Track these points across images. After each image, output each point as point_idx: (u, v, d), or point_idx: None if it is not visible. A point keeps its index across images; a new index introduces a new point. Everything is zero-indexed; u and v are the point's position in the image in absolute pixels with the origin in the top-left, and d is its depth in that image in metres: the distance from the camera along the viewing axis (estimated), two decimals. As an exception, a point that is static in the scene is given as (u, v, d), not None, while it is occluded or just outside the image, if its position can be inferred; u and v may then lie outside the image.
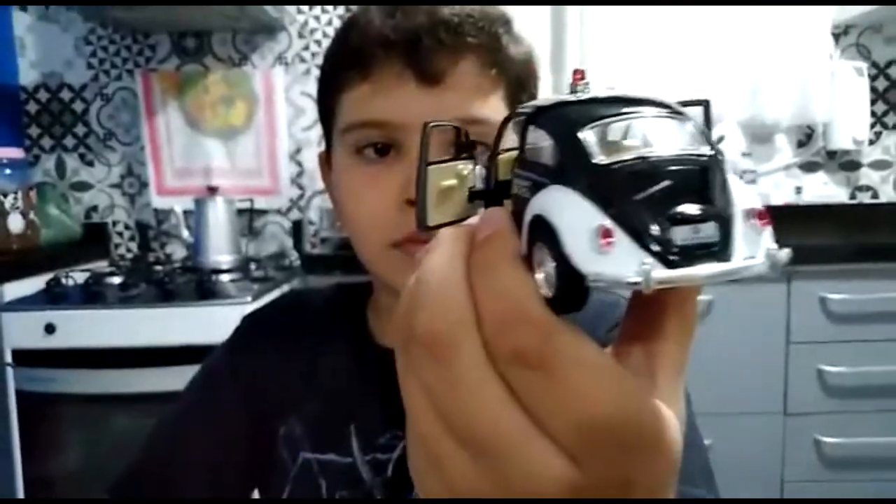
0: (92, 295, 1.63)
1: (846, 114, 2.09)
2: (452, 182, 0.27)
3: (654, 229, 0.19)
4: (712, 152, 0.21)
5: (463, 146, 0.28)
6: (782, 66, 2.08)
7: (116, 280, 1.71)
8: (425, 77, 0.55)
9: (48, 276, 1.68)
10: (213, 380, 0.70)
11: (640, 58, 2.11)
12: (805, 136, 2.19)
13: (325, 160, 0.66)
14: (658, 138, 0.20)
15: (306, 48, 2.17)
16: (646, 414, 0.21)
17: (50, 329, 1.52)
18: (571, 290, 0.20)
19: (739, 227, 0.21)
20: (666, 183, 0.19)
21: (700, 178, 0.20)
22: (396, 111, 0.55)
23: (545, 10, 2.08)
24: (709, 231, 0.20)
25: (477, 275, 0.22)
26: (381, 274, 0.60)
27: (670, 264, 0.19)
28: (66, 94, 2.19)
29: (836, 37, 2.15)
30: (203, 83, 2.14)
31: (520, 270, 0.22)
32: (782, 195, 2.21)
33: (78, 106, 2.19)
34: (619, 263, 0.19)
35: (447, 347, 0.22)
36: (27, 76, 2.18)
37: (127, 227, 2.23)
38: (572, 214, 0.19)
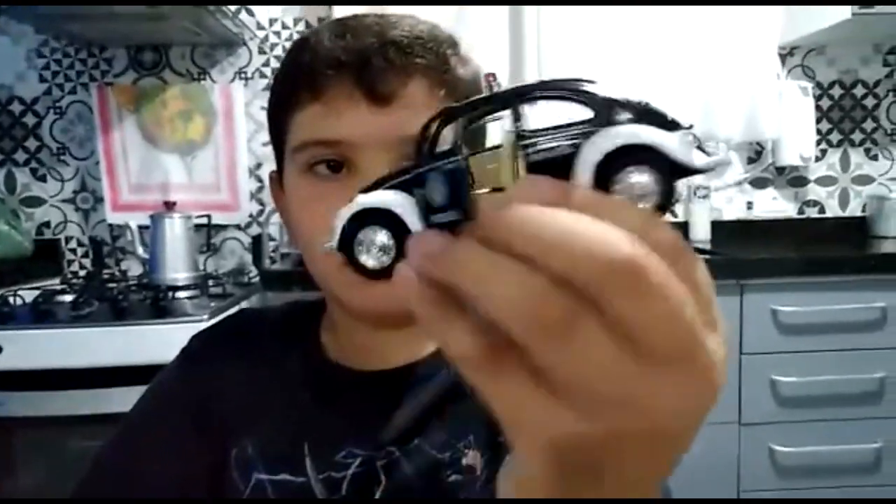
0: (41, 314, 1.58)
1: (793, 131, 2.17)
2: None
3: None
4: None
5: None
6: (733, 85, 2.15)
7: (68, 298, 1.67)
8: (376, 97, 0.55)
9: (-3, 294, 1.63)
10: (160, 401, 0.69)
11: (595, 75, 2.15)
12: (755, 153, 2.27)
13: (277, 180, 0.66)
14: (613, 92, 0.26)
15: (266, 64, 2.16)
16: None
17: (-2, 350, 1.47)
18: (671, 193, 0.25)
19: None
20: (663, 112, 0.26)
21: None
22: (348, 130, 0.55)
23: (504, 29, 2.12)
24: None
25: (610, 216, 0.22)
26: (332, 289, 0.60)
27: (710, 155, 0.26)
28: (16, 108, 2.14)
29: (783, 57, 2.23)
30: (161, 97, 2.12)
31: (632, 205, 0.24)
32: (734, 210, 2.27)
33: (29, 119, 2.14)
34: (701, 155, 0.25)
35: (652, 270, 0.21)
36: (-25, 89, 2.12)
37: (80, 244, 2.18)
38: (657, 133, 0.25)
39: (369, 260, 0.30)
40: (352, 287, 0.57)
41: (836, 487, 1.77)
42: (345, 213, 0.31)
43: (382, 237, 0.29)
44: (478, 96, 0.27)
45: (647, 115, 0.25)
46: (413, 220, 0.28)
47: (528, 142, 0.26)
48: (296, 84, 0.59)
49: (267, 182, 2.12)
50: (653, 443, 0.25)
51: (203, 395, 0.66)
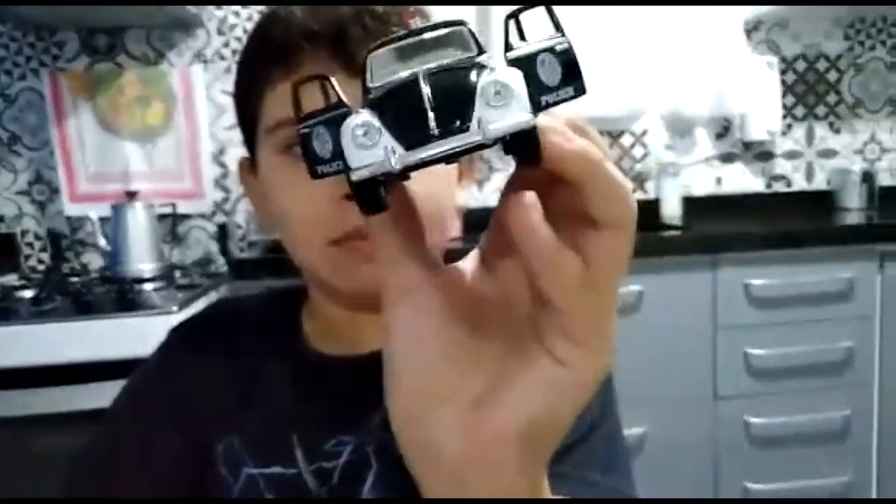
0: (1, 311, 1.52)
1: (759, 106, 2.19)
2: None
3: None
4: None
5: None
6: (700, 62, 2.15)
7: (28, 294, 1.60)
8: (354, 68, 0.53)
9: (-50, 292, 1.56)
10: (139, 398, 0.66)
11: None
12: (723, 129, 2.28)
13: (248, 166, 0.63)
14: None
15: (226, 45, 2.09)
16: None
17: (-45, 349, 1.41)
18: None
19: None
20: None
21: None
22: None
23: (471, 8, 2.08)
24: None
25: None
26: (321, 274, 0.58)
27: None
28: (-38, 96, 2.04)
29: (748, 33, 2.24)
30: (117, 83, 2.04)
31: None
32: (704, 186, 2.29)
33: (-23, 108, 2.04)
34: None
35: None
36: (-83, 77, 2.02)
37: (37, 237, 2.10)
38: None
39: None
40: (345, 270, 0.55)
41: (809, 459, 1.80)
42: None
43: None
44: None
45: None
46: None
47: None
48: (267, 60, 0.56)
49: (233, 168, 2.08)
50: None
51: (184, 391, 0.64)
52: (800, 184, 2.33)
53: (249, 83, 0.59)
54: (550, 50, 0.26)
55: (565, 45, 0.26)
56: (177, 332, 0.69)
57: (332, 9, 0.55)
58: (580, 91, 0.26)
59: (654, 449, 1.73)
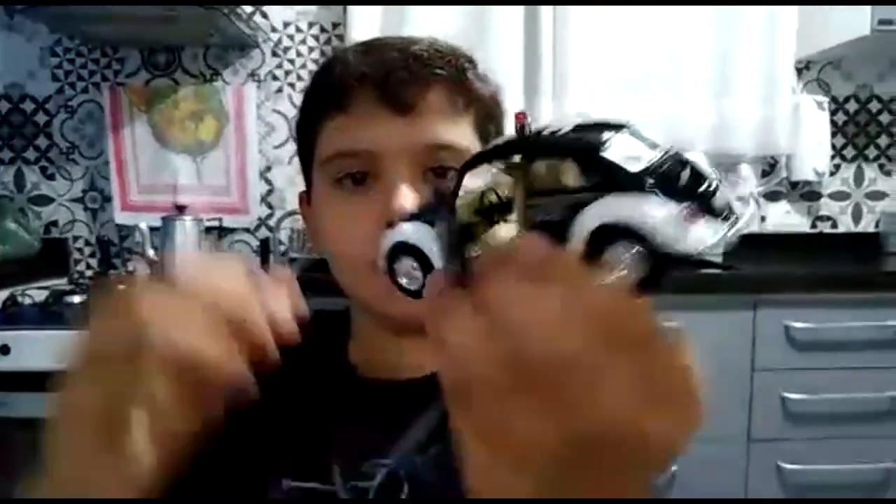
0: (50, 315, 1.57)
1: (808, 146, 2.15)
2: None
3: (710, 202, 0.24)
4: (670, 147, 0.26)
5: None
6: (748, 98, 2.13)
7: (77, 299, 1.66)
8: (398, 106, 0.59)
9: (3, 294, 1.62)
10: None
11: (612, 88, 2.15)
12: (769, 167, 2.25)
13: (305, 198, 0.69)
14: (641, 149, 0.25)
15: (279, 66, 2.15)
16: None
17: (4, 350, 1.46)
18: (660, 273, 0.24)
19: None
20: (687, 171, 0.24)
21: (685, 164, 0.25)
22: (373, 140, 0.59)
23: (519, 41, 2.10)
24: (726, 194, 0.25)
25: (569, 290, 0.24)
26: (365, 298, 0.63)
27: (727, 223, 0.24)
28: (28, 106, 2.13)
29: (799, 71, 2.22)
30: (172, 98, 2.11)
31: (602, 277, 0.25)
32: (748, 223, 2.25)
33: (40, 118, 2.13)
34: (704, 233, 0.23)
35: (585, 353, 0.24)
36: (-13, 87, 2.12)
37: (88, 244, 2.17)
38: (645, 207, 0.23)
39: (404, 280, 0.36)
40: (386, 293, 0.58)
41: (845, 507, 1.75)
42: (386, 243, 0.37)
43: (410, 267, 0.35)
44: (503, 140, 0.28)
45: (655, 180, 0.24)
46: (434, 256, 0.33)
47: (533, 201, 0.27)
48: (323, 98, 0.62)
49: (279, 185, 2.13)
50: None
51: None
52: (847, 225, 2.28)
53: (308, 119, 0.65)
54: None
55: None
56: None
57: (381, 52, 0.61)
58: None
59: (684, 488, 1.70)
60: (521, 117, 0.27)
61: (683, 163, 0.25)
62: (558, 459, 0.25)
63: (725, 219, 0.24)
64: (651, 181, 0.24)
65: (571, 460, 0.25)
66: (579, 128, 0.26)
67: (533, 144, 0.26)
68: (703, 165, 0.25)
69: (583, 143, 0.26)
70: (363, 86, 0.60)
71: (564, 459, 0.25)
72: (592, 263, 0.24)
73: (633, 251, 0.24)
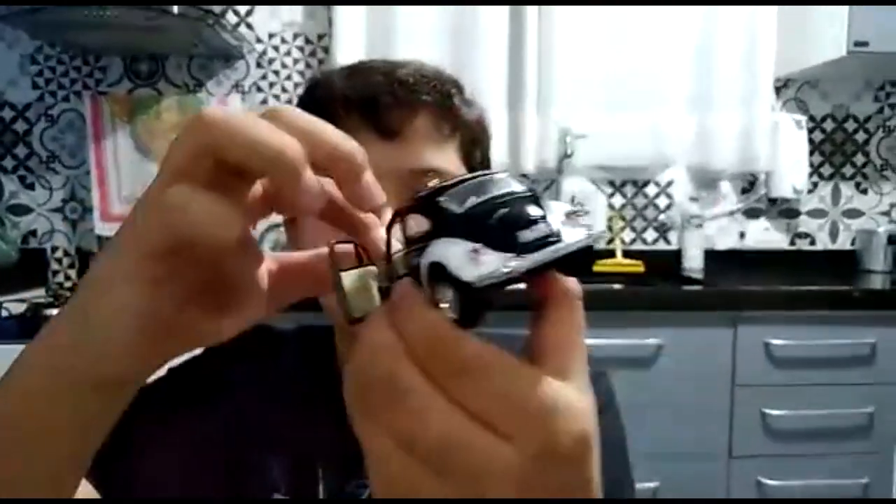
0: (29, 328, 1.55)
1: (786, 163, 2.19)
2: (360, 284, 0.35)
3: (503, 239, 0.27)
4: (526, 189, 0.29)
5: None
6: (728, 116, 2.17)
7: (56, 312, 1.63)
8: (383, 131, 0.60)
9: (-20, 305, 1.59)
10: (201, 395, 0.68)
11: (595, 104, 2.17)
12: (748, 184, 2.29)
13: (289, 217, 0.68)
14: (491, 191, 0.28)
15: (264, 77, 2.15)
16: (553, 385, 0.26)
17: (-19, 363, 1.44)
18: (470, 305, 0.26)
19: (563, 222, 0.29)
20: (503, 210, 0.27)
21: (523, 202, 0.28)
22: None
23: (503, 57, 2.12)
24: (542, 228, 0.27)
25: (400, 322, 0.27)
26: (336, 318, 0.63)
27: (525, 254, 0.27)
28: (7, 114, 2.10)
29: (778, 90, 2.26)
30: (155, 108, 2.09)
31: (430, 309, 0.27)
32: (727, 239, 2.29)
33: (20, 126, 2.10)
34: (491, 265, 0.26)
35: (395, 385, 0.26)
36: (-35, 93, 2.09)
37: (67, 254, 2.14)
38: (450, 248, 0.27)
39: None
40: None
41: (823, 521, 1.77)
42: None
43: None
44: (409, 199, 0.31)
45: (467, 225, 0.27)
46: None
47: (413, 247, 0.30)
48: None
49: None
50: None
51: (239, 406, 0.67)
52: (824, 242, 2.32)
53: None
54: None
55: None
56: (213, 353, 0.70)
57: (366, 77, 0.61)
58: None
59: (665, 505, 1.71)
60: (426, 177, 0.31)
61: (510, 203, 0.28)
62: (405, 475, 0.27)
63: (529, 250, 0.27)
64: (465, 222, 0.27)
65: (417, 479, 0.27)
66: (466, 179, 0.29)
67: (413, 199, 0.30)
68: (529, 208, 0.28)
69: (427, 192, 0.29)
70: (349, 110, 0.60)
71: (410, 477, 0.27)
72: (435, 299, 0.28)
73: (448, 287, 0.27)
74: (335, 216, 0.34)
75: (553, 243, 0.27)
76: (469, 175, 0.29)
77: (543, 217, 0.28)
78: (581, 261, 0.29)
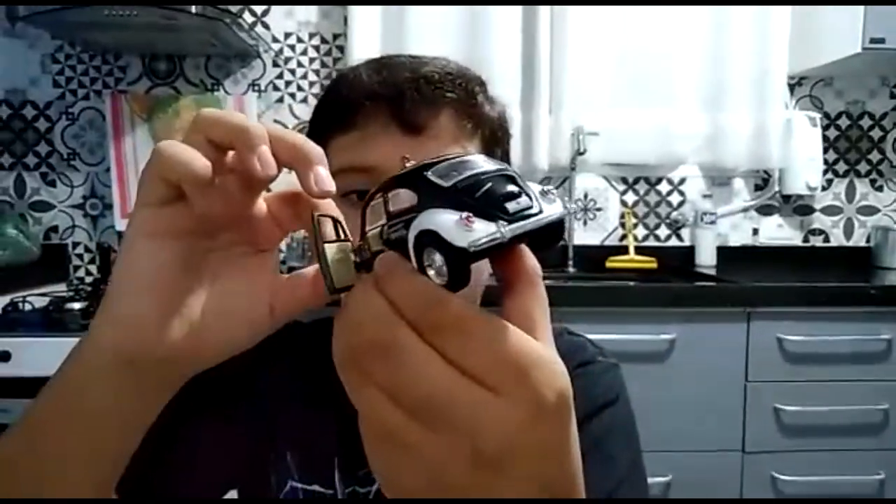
0: (51, 321, 1.58)
1: (800, 161, 2.19)
2: (342, 256, 0.37)
3: (491, 210, 0.29)
4: (504, 167, 0.31)
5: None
6: (741, 113, 2.17)
7: (77, 306, 1.66)
8: (408, 126, 0.60)
9: (4, 300, 1.63)
10: (226, 387, 0.69)
11: (607, 103, 2.18)
12: (762, 181, 2.29)
13: None
14: (472, 168, 0.31)
15: (280, 76, 2.17)
16: (534, 343, 0.29)
17: (5, 357, 1.47)
18: (458, 268, 0.28)
19: (539, 197, 0.31)
20: (488, 184, 0.30)
21: (503, 179, 0.30)
22: (382, 157, 0.59)
23: (517, 56, 2.13)
24: (525, 201, 0.30)
25: (388, 288, 0.29)
26: None
27: (511, 223, 0.29)
28: (29, 112, 2.14)
29: (792, 87, 2.25)
30: (174, 107, 2.12)
31: (417, 274, 0.29)
32: (740, 236, 2.29)
33: (41, 124, 2.14)
34: (482, 231, 0.28)
35: (389, 343, 0.28)
36: (-12, 92, 2.13)
37: (87, 250, 2.18)
38: (441, 216, 0.29)
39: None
40: None
41: (837, 518, 1.77)
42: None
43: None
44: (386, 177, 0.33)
45: (455, 197, 0.29)
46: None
47: (394, 221, 0.32)
48: (334, 114, 0.63)
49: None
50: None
51: (262, 395, 0.68)
52: (839, 239, 2.32)
53: (317, 134, 0.65)
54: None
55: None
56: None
57: (393, 72, 0.62)
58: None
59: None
60: (403, 160, 0.33)
61: (492, 179, 0.30)
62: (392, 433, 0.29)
63: (513, 220, 0.29)
64: (453, 195, 0.29)
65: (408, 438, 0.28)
66: (446, 158, 0.31)
67: (394, 177, 0.32)
68: (509, 184, 0.30)
69: (415, 167, 0.31)
70: (374, 105, 0.61)
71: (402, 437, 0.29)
72: (422, 267, 0.30)
73: (438, 254, 0.29)
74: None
75: (534, 215, 0.30)
76: (445, 155, 0.32)
77: (523, 191, 0.30)
78: (559, 231, 0.31)
